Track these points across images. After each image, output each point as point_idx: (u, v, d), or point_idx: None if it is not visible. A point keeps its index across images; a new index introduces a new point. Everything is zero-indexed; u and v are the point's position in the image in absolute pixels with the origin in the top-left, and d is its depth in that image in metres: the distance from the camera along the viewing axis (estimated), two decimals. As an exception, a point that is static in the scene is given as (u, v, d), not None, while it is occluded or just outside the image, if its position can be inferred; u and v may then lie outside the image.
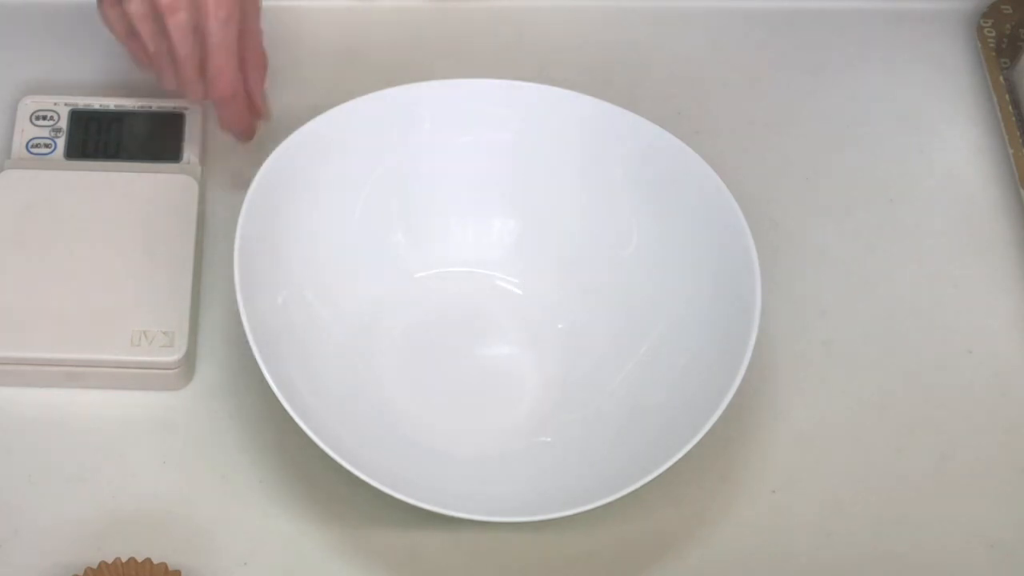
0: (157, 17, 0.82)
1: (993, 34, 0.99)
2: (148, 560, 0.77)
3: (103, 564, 0.77)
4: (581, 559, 0.80)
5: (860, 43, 1.00)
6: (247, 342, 0.83)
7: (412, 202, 0.88)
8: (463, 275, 0.88)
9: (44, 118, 0.91)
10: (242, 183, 0.89)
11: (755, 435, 0.85)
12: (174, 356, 0.82)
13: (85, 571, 0.76)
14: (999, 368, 0.88)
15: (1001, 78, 0.97)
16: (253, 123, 0.89)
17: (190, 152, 0.90)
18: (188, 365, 0.83)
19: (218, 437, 0.82)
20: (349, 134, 0.85)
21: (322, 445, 0.75)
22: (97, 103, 0.91)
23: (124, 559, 0.77)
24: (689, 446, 0.77)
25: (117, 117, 0.91)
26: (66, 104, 0.91)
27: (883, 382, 0.87)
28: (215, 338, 0.85)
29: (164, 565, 0.77)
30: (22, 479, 0.81)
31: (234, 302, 0.84)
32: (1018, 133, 0.94)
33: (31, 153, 0.89)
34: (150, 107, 0.91)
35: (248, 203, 0.81)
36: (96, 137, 0.90)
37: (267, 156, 0.83)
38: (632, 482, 0.77)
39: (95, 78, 0.94)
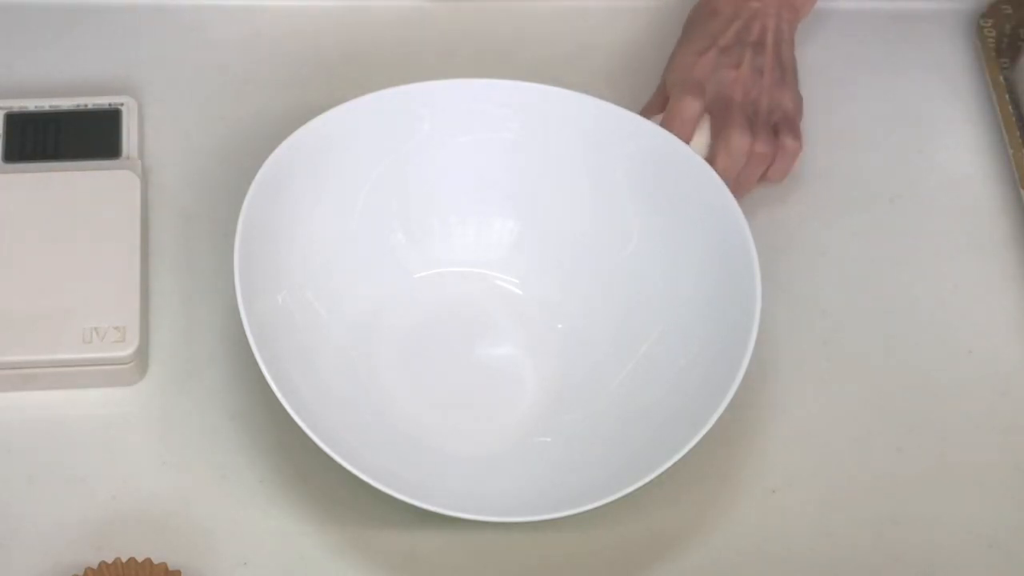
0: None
1: (993, 34, 0.99)
2: (148, 560, 0.77)
3: (103, 564, 0.77)
4: (581, 559, 0.80)
5: (860, 43, 1.00)
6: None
7: (412, 202, 0.88)
8: (463, 275, 0.88)
9: (-20, 124, 0.90)
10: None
11: (755, 435, 0.85)
12: (127, 351, 0.82)
13: (85, 571, 0.76)
14: (999, 368, 0.88)
15: (1001, 78, 0.97)
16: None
17: (129, 147, 0.90)
18: (142, 359, 0.83)
19: (215, 435, 0.83)
20: (349, 134, 0.85)
21: (322, 445, 0.75)
22: (32, 105, 0.91)
23: (124, 559, 0.77)
24: (689, 446, 0.77)
25: (53, 118, 0.90)
26: (1, 108, 0.91)
27: (883, 382, 0.87)
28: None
29: (164, 565, 0.77)
30: (22, 480, 0.81)
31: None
32: (1018, 133, 0.94)
33: (-30, 160, 0.89)
34: (86, 105, 0.91)
35: (248, 203, 0.81)
36: (34, 139, 0.90)
37: (266, 156, 0.83)
38: (632, 482, 0.77)
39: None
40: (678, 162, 0.86)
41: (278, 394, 0.76)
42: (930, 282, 0.91)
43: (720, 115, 0.89)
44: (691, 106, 0.89)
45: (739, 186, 0.88)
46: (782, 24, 0.93)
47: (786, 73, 0.92)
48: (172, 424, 0.83)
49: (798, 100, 0.92)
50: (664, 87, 0.93)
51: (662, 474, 0.77)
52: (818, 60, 0.99)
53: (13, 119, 0.90)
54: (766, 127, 0.89)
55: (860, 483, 0.84)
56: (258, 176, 0.82)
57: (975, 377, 0.88)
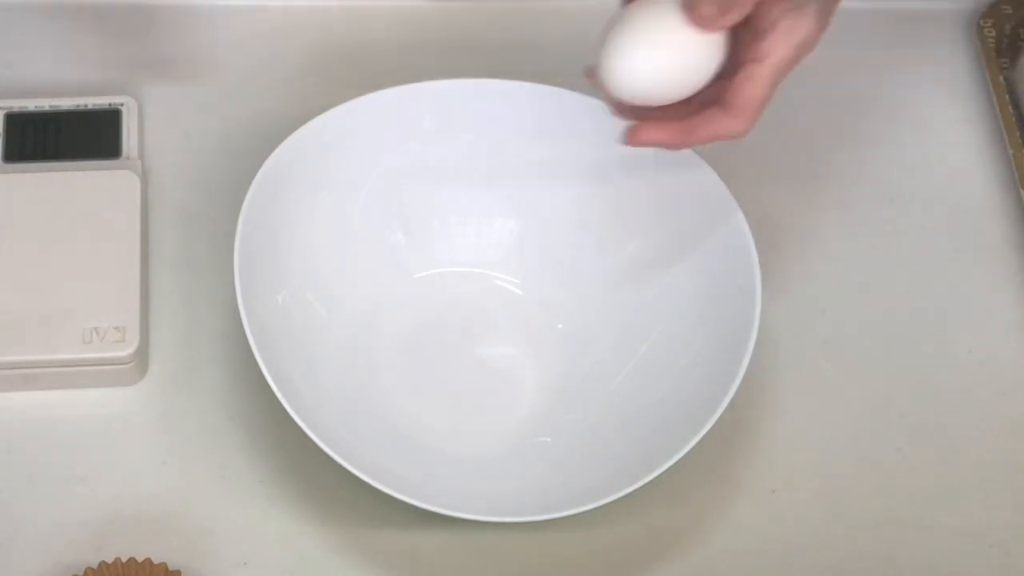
0: None
1: (993, 34, 0.99)
2: (148, 560, 0.77)
3: (103, 564, 0.77)
4: (581, 559, 0.80)
5: (860, 43, 1.00)
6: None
7: (412, 202, 0.88)
8: (463, 275, 0.88)
9: (-20, 124, 0.90)
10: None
11: (755, 435, 0.85)
12: (127, 351, 0.82)
13: (85, 571, 0.77)
14: (999, 368, 0.88)
15: (1001, 78, 0.97)
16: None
17: (129, 147, 0.90)
18: (142, 359, 0.83)
19: (215, 435, 0.83)
20: (349, 134, 0.85)
21: (322, 445, 0.75)
22: (32, 105, 0.91)
23: (124, 559, 0.77)
24: (689, 446, 0.77)
25: (53, 118, 0.90)
26: (1, 108, 0.90)
27: (883, 382, 0.87)
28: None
29: (164, 565, 0.77)
30: (22, 480, 0.81)
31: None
32: (1018, 133, 0.94)
33: (-30, 160, 0.89)
34: (86, 105, 0.91)
35: (248, 203, 0.81)
36: (34, 139, 0.90)
37: (266, 156, 0.83)
38: (632, 482, 0.77)
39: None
40: (678, 161, 0.85)
41: (278, 394, 0.76)
42: (930, 282, 0.91)
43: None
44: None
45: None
46: None
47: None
48: (172, 424, 0.83)
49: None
50: None
51: (662, 474, 0.77)
52: (818, 60, 0.99)
53: (13, 119, 0.90)
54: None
55: (860, 483, 0.84)
56: (258, 176, 0.82)
57: (975, 377, 0.88)
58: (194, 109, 0.93)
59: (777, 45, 0.75)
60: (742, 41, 0.75)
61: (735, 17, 0.73)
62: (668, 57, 0.73)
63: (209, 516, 0.80)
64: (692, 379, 0.82)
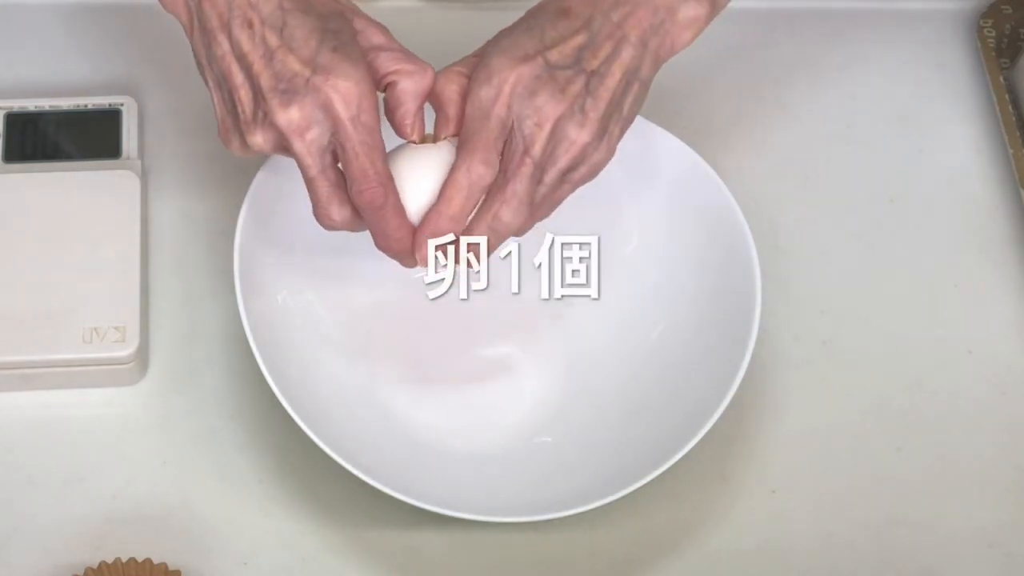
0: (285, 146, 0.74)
1: (993, 34, 0.99)
2: (148, 560, 0.77)
3: (103, 564, 0.77)
4: (581, 559, 0.80)
5: (860, 43, 1.00)
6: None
7: (412, 202, 0.88)
8: (463, 275, 0.88)
9: (-21, 124, 0.90)
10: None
11: (755, 435, 0.85)
12: (127, 351, 0.82)
13: (85, 571, 0.77)
14: (999, 368, 0.88)
15: (1001, 78, 0.97)
16: (411, 242, 0.76)
17: (129, 147, 0.90)
18: (142, 359, 0.83)
19: (215, 435, 0.83)
20: (349, 134, 0.85)
21: (322, 445, 0.75)
22: (32, 105, 0.91)
23: (124, 559, 0.77)
24: (689, 446, 0.77)
25: (53, 117, 0.90)
26: (1, 108, 0.90)
27: (883, 382, 0.87)
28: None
29: (164, 565, 0.77)
30: (22, 480, 0.81)
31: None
32: (1018, 133, 0.94)
33: (-31, 160, 0.89)
34: (86, 105, 0.91)
35: (248, 202, 0.81)
36: (34, 139, 0.90)
37: (266, 156, 0.83)
38: (632, 482, 0.77)
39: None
40: (678, 162, 0.85)
41: (278, 394, 0.76)
42: (930, 282, 0.91)
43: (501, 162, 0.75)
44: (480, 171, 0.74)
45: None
46: (644, 58, 0.74)
47: (610, 132, 0.74)
48: (172, 424, 0.83)
49: (598, 166, 0.76)
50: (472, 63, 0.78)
51: (662, 474, 0.77)
52: (818, 60, 0.99)
53: (13, 119, 0.90)
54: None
55: (860, 483, 0.84)
56: (258, 176, 0.82)
57: (975, 377, 0.88)
58: (194, 109, 0.93)
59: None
60: None
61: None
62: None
63: (209, 516, 0.80)
64: (692, 379, 0.82)
